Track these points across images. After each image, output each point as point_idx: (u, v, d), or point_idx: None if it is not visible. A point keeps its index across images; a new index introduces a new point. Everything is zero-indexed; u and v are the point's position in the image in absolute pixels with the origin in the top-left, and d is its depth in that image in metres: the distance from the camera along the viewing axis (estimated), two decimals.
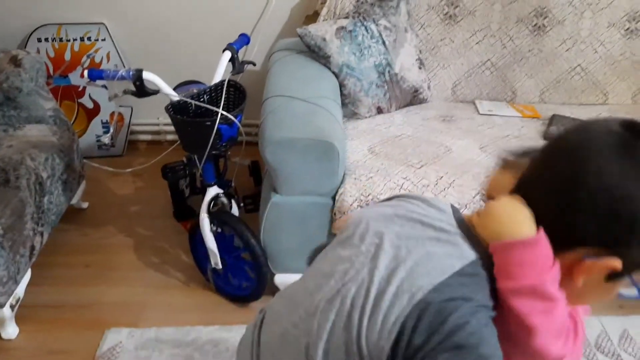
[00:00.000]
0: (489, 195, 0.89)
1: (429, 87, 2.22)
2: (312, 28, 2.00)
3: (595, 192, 0.71)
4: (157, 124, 2.73)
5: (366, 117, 2.09)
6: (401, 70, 2.09)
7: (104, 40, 2.49)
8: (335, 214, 1.69)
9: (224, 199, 1.81)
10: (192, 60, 2.49)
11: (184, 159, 1.87)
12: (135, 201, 2.43)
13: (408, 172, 1.74)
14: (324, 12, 2.19)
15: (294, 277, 1.79)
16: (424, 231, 0.82)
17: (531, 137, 1.98)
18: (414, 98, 2.18)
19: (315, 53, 2.00)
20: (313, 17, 2.28)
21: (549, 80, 2.25)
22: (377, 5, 2.08)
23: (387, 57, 2.05)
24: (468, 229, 0.81)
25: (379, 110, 2.12)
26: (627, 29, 2.19)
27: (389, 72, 2.06)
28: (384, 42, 2.04)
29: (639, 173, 0.70)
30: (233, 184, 1.92)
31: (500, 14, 2.18)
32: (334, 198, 1.70)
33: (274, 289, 1.88)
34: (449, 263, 0.76)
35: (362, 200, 1.67)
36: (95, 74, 1.55)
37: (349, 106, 2.06)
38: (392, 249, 0.80)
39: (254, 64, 1.80)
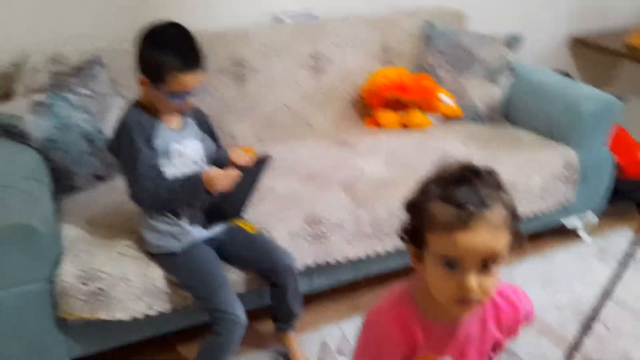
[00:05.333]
0: None
1: None
2: (2, 107, 1.88)
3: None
4: None
5: (86, 188, 2.02)
6: None
7: None
8: (57, 297, 1.59)
9: None
10: None
11: None
12: None
13: (132, 239, 1.73)
14: (19, 89, 2.08)
15: None
16: None
17: None
18: None
19: (11, 132, 1.88)
20: (9, 96, 2.15)
21: (260, 122, 2.43)
22: (75, 75, 2.05)
23: (94, 124, 2.02)
24: None
25: (99, 178, 2.06)
26: (312, 67, 2.50)
27: (100, 138, 2.03)
28: (87, 110, 2.01)
29: None
30: None
31: None
32: (53, 281, 1.60)
33: None
34: None
35: (83, 277, 1.60)
36: None
37: (62, 181, 1.96)
38: None
39: None
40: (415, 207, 0.92)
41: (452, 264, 0.87)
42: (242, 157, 1.69)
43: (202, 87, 1.58)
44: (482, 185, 0.87)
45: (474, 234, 0.84)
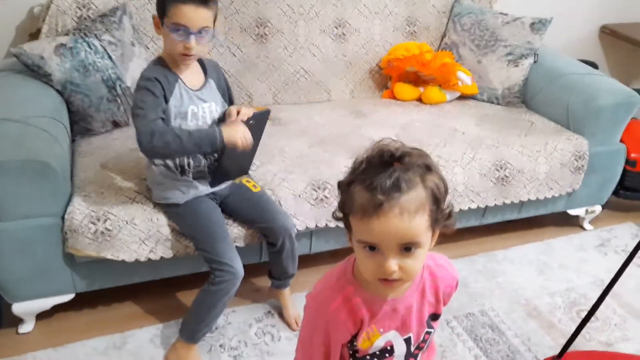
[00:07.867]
0: None
1: None
2: (28, 47, 1.94)
3: None
4: None
5: (102, 133, 2.09)
6: (134, 83, 2.12)
7: None
8: (66, 233, 1.67)
9: None
10: None
11: None
12: None
13: (141, 186, 1.79)
14: (44, 29, 2.13)
15: (35, 304, 1.76)
16: None
17: None
18: None
19: (35, 72, 1.94)
20: (37, 35, 2.20)
21: (279, 83, 2.47)
22: (99, 21, 2.09)
23: (115, 71, 2.07)
24: None
25: (116, 125, 2.13)
26: (335, 34, 2.50)
27: (120, 86, 2.08)
28: (110, 57, 2.06)
29: None
30: None
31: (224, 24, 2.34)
32: (63, 217, 1.68)
33: (14, 320, 1.80)
34: None
35: (92, 217, 1.68)
36: None
37: (80, 123, 2.04)
38: None
39: None
40: (342, 188, 0.91)
41: (373, 247, 0.86)
42: (242, 111, 1.66)
43: (209, 30, 1.55)
44: (402, 170, 0.84)
45: (385, 220, 0.82)
